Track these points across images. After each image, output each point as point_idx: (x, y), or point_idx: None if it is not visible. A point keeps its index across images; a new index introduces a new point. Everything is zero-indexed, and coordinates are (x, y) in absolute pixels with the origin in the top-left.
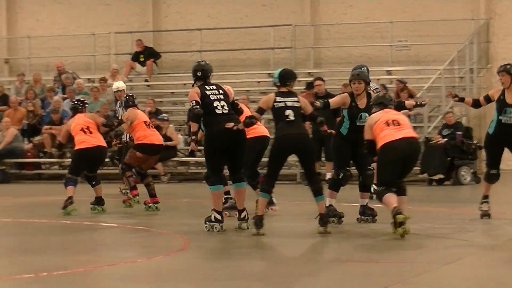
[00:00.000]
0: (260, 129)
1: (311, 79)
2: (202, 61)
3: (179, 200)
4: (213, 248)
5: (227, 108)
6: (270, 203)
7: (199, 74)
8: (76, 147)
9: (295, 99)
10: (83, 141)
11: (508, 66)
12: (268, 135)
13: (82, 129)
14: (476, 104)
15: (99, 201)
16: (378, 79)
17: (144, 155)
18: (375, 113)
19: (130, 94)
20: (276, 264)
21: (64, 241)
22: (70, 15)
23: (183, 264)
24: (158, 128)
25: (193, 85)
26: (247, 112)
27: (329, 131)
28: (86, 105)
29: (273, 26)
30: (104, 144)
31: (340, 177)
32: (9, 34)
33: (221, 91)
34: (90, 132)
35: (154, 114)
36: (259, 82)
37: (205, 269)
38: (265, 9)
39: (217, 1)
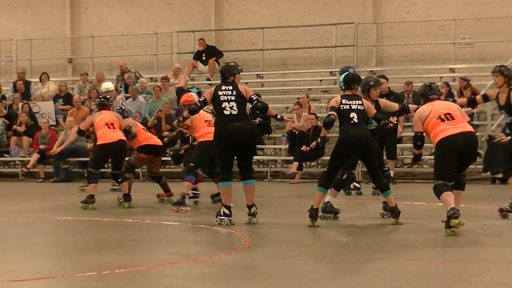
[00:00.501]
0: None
1: None
2: (229, 62)
3: (239, 198)
4: (275, 246)
5: (236, 109)
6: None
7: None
8: (98, 142)
9: (360, 102)
10: (105, 136)
11: (502, 67)
12: None
13: (107, 124)
14: (471, 102)
15: (126, 197)
16: (441, 77)
17: (148, 156)
18: (423, 106)
19: (106, 96)
20: (333, 263)
21: (126, 239)
22: (133, 14)
23: (245, 262)
24: None
25: None
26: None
27: (393, 123)
28: (111, 103)
29: (335, 25)
30: (125, 139)
31: (344, 178)
32: (73, 34)
33: (234, 92)
34: (114, 128)
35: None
36: (321, 80)
37: (268, 268)
38: (327, 7)
39: None
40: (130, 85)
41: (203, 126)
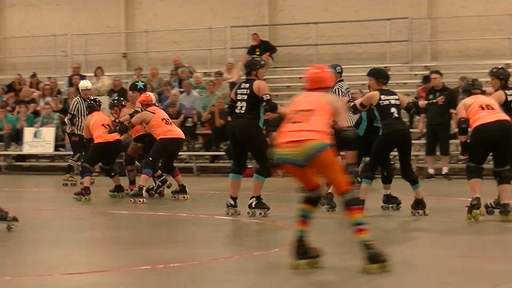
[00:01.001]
0: (176, 131)
1: (427, 72)
2: (254, 56)
3: (292, 194)
4: (328, 242)
5: (244, 110)
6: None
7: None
8: (96, 141)
9: (396, 97)
10: (102, 135)
11: (500, 70)
12: (183, 137)
13: (103, 125)
14: None
15: (118, 188)
16: None
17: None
18: (468, 98)
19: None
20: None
21: (180, 233)
22: (187, 9)
23: None
24: None
25: None
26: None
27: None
28: (101, 104)
29: (389, 19)
30: (120, 138)
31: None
32: (127, 28)
33: (248, 91)
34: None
35: None
36: None
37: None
38: (381, 2)
39: None
40: (184, 79)
41: (161, 125)
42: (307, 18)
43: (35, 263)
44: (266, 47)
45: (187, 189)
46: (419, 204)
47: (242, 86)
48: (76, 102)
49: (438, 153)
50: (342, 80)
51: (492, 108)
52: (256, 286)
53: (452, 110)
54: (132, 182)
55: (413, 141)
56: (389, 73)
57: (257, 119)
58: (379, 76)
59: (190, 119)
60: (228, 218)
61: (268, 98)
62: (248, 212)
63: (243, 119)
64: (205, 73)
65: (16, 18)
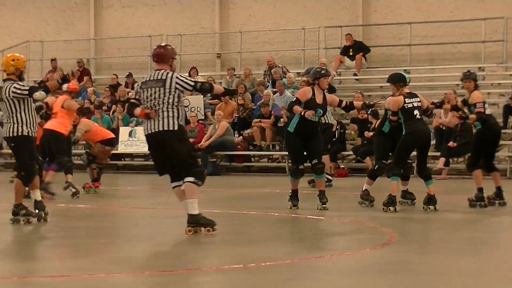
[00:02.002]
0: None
1: None
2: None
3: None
4: (420, 242)
5: None
6: None
7: None
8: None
9: (418, 99)
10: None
11: (472, 74)
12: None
13: None
14: (455, 108)
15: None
16: None
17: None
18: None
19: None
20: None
21: (272, 233)
22: (281, 10)
23: (390, 257)
24: None
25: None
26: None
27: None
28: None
29: (484, 19)
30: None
31: (376, 168)
32: (221, 29)
33: None
34: None
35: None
36: None
37: (414, 263)
38: (476, 1)
39: None
40: (277, 80)
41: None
42: (401, 18)
43: (128, 260)
44: (359, 47)
45: None
46: (430, 200)
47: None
48: None
49: None
50: None
51: None
52: (349, 286)
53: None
54: (96, 180)
55: (508, 142)
56: (484, 73)
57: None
58: (397, 80)
59: (281, 119)
60: (321, 218)
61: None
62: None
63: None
64: (298, 73)
65: (113, 19)
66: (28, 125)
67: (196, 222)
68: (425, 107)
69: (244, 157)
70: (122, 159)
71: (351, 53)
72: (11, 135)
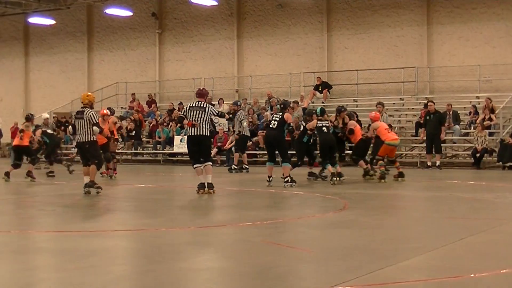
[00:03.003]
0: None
1: None
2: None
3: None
4: (367, 208)
5: (276, 126)
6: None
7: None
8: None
9: (327, 122)
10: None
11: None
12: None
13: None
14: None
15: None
16: None
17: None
18: None
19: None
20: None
21: (271, 202)
22: (277, 62)
23: (344, 218)
24: None
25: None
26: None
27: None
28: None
29: (403, 68)
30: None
31: (299, 163)
32: (238, 74)
33: (279, 118)
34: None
35: None
36: None
37: (359, 222)
38: (398, 56)
39: None
40: (274, 105)
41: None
42: (352, 67)
43: (181, 220)
44: (326, 85)
45: None
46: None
47: (276, 114)
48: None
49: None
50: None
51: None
52: (319, 236)
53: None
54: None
55: (417, 145)
56: (403, 101)
57: (282, 132)
58: (320, 112)
59: None
60: (300, 193)
61: (291, 126)
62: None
63: (275, 131)
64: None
65: (170, 68)
66: (95, 135)
67: (211, 187)
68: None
69: (253, 154)
70: (176, 156)
71: (320, 89)
72: (86, 140)
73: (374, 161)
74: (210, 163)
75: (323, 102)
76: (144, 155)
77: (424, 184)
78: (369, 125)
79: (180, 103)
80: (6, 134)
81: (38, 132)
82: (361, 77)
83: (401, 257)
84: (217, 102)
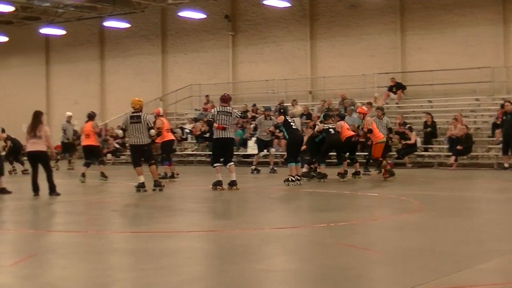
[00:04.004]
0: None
1: None
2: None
3: (417, 179)
4: (442, 209)
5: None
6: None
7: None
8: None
9: (333, 125)
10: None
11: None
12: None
13: (86, 135)
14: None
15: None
16: None
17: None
18: None
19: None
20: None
21: (343, 204)
22: (349, 63)
23: (421, 219)
24: None
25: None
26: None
27: None
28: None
29: (478, 68)
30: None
31: (314, 160)
32: (312, 75)
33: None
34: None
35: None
36: None
37: (438, 224)
38: (472, 56)
39: None
40: (348, 107)
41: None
42: (426, 67)
43: (255, 221)
44: (399, 86)
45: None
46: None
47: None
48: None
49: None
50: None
51: None
52: (393, 237)
53: None
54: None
55: (494, 146)
56: (479, 102)
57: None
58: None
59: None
60: (375, 195)
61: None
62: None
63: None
64: (361, 102)
65: (243, 69)
66: (150, 137)
67: (235, 184)
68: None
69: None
70: (251, 158)
71: (394, 90)
72: (145, 142)
73: (377, 163)
74: (233, 163)
75: (397, 103)
76: None
77: (500, 186)
78: (390, 127)
79: (254, 105)
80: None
81: (3, 135)
82: (435, 77)
83: (477, 260)
84: (290, 104)
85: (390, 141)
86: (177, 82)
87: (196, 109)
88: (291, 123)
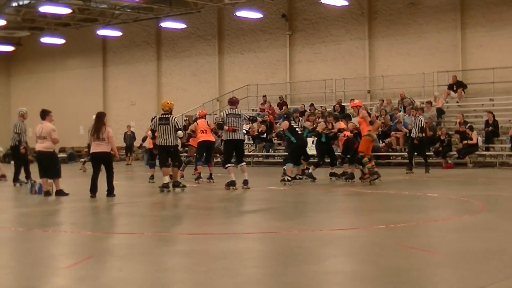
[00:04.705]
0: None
1: None
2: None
3: (478, 179)
4: (504, 210)
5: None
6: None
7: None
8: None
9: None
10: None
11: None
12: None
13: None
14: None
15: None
16: None
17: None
18: None
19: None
20: None
21: (406, 204)
22: (409, 61)
23: (483, 220)
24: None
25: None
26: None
27: None
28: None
29: None
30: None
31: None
32: (370, 74)
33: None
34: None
35: None
36: None
37: (500, 225)
38: None
39: None
40: (407, 106)
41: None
42: (488, 65)
43: (312, 223)
44: (460, 84)
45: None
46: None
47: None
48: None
49: None
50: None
51: None
52: (455, 239)
53: None
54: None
55: None
56: None
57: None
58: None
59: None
60: (435, 196)
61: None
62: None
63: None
64: (420, 102)
65: (301, 69)
66: (178, 139)
67: (247, 183)
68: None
69: (385, 156)
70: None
71: (454, 88)
72: (172, 144)
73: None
74: (244, 163)
75: (457, 102)
76: (276, 157)
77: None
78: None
79: (311, 105)
80: (138, 137)
81: None
82: (497, 75)
83: None
84: (348, 103)
85: (416, 141)
86: (233, 82)
87: (253, 110)
88: (296, 128)
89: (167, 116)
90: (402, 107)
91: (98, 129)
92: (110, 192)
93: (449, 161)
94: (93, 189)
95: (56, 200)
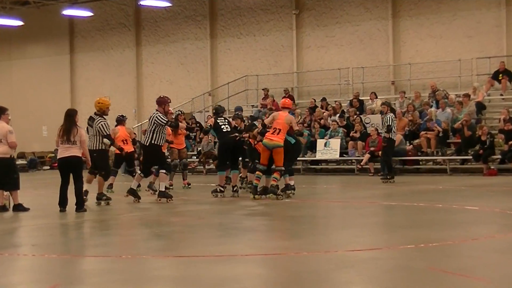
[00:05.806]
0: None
1: None
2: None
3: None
4: None
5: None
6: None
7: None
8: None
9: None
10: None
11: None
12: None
13: (122, 141)
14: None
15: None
16: None
17: None
18: None
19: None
20: None
21: (439, 219)
22: (442, 45)
23: None
24: None
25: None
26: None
27: None
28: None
29: None
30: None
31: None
32: (394, 62)
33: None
34: (127, 143)
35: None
36: None
37: None
38: None
39: None
40: (440, 100)
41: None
42: None
43: (325, 242)
44: (506, 73)
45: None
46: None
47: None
48: None
49: None
50: None
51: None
52: (499, 262)
53: None
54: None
55: None
56: None
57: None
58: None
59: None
60: (475, 208)
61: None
62: None
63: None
64: (456, 95)
65: (310, 56)
66: (106, 144)
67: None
68: None
69: (413, 161)
70: (319, 164)
71: (500, 77)
72: (95, 148)
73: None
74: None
75: (501, 94)
76: None
77: None
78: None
79: (323, 99)
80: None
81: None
82: None
83: None
84: (368, 97)
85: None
86: (229, 72)
87: (252, 106)
88: (222, 126)
89: (94, 118)
90: (434, 102)
91: (69, 130)
92: (80, 206)
93: (492, 167)
94: (63, 202)
95: (14, 216)
